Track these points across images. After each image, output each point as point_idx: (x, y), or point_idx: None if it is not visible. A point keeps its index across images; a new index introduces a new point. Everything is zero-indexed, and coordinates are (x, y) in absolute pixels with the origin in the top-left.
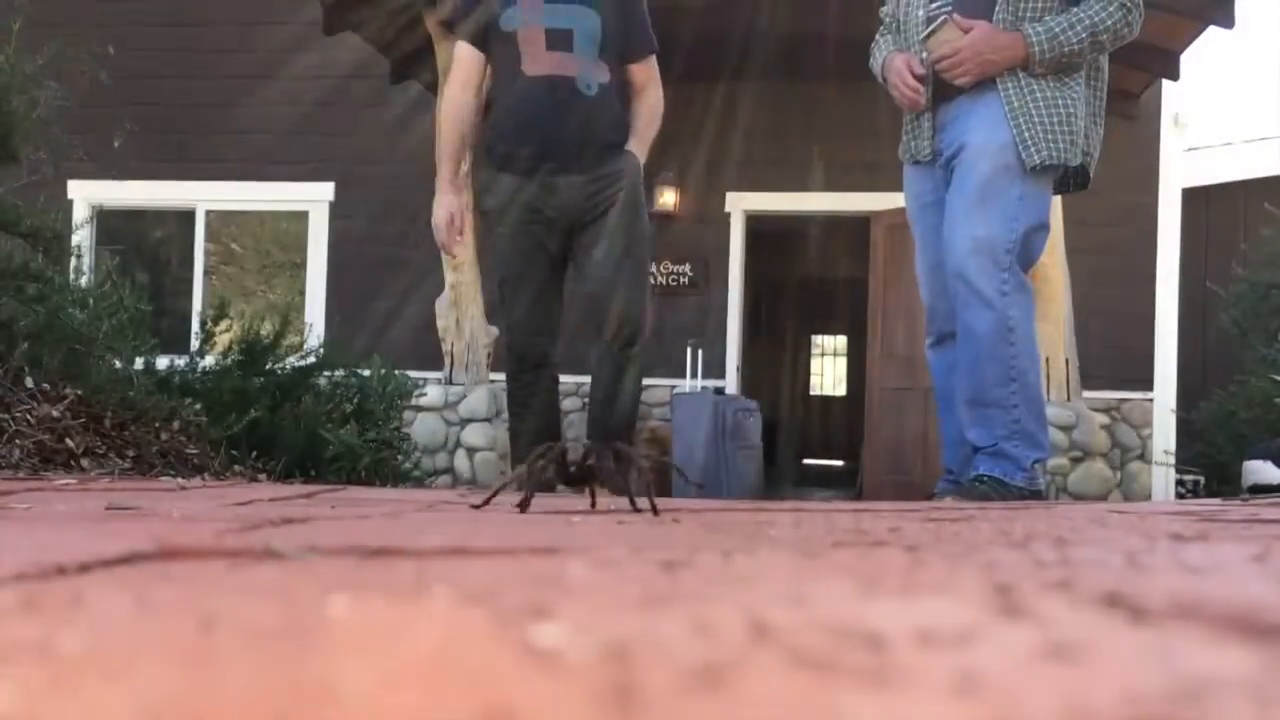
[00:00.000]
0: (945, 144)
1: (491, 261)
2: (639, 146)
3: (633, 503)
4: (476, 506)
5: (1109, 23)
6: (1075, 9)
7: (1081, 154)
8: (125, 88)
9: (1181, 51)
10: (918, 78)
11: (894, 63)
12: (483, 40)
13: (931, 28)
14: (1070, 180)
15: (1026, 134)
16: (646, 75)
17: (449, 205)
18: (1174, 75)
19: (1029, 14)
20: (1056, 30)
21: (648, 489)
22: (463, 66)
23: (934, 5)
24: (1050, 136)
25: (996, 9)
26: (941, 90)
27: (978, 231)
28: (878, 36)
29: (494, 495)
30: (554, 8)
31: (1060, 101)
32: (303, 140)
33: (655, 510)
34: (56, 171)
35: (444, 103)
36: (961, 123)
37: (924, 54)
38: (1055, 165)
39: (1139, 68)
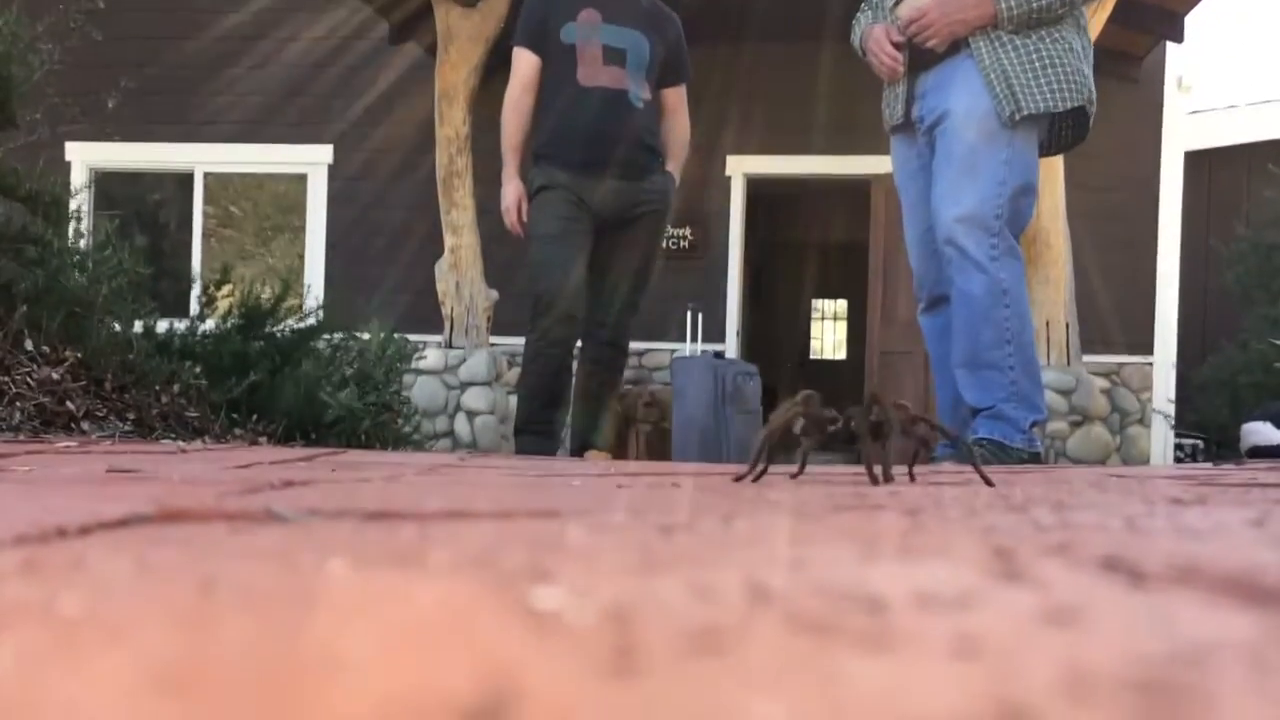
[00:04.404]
0: (926, 111)
1: (532, 225)
2: (676, 169)
3: (871, 474)
4: (739, 479)
5: None
6: None
7: (1074, 97)
8: (120, 48)
9: (1186, 14)
10: (895, 45)
11: (873, 32)
12: (542, 49)
13: None
14: (1067, 132)
15: (999, 89)
16: (678, 100)
17: (515, 191)
18: (1178, 38)
19: None
20: None
21: (903, 456)
22: (523, 72)
23: None
24: (1026, 90)
25: None
26: (919, 58)
27: (966, 199)
28: (858, 14)
29: (756, 464)
30: (612, 29)
31: (1040, 51)
32: (301, 103)
33: (913, 478)
34: (54, 134)
35: (507, 103)
36: (942, 90)
37: (898, 21)
38: (1037, 115)
39: (1142, 30)
